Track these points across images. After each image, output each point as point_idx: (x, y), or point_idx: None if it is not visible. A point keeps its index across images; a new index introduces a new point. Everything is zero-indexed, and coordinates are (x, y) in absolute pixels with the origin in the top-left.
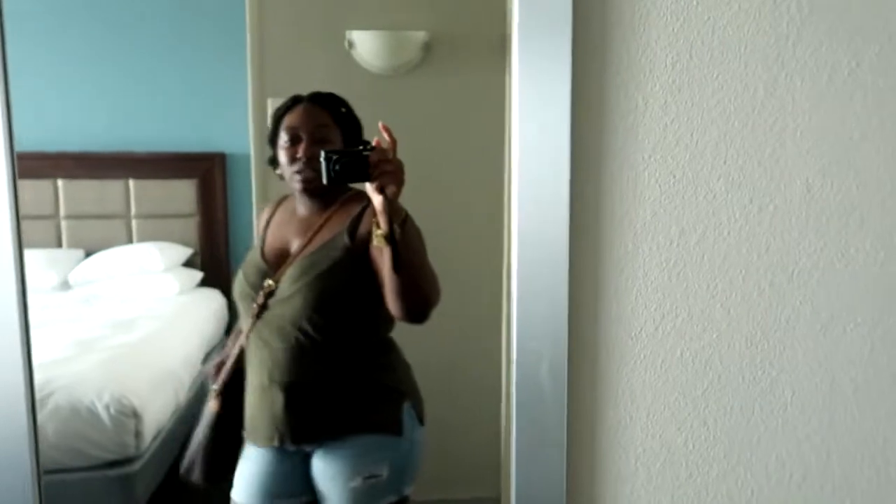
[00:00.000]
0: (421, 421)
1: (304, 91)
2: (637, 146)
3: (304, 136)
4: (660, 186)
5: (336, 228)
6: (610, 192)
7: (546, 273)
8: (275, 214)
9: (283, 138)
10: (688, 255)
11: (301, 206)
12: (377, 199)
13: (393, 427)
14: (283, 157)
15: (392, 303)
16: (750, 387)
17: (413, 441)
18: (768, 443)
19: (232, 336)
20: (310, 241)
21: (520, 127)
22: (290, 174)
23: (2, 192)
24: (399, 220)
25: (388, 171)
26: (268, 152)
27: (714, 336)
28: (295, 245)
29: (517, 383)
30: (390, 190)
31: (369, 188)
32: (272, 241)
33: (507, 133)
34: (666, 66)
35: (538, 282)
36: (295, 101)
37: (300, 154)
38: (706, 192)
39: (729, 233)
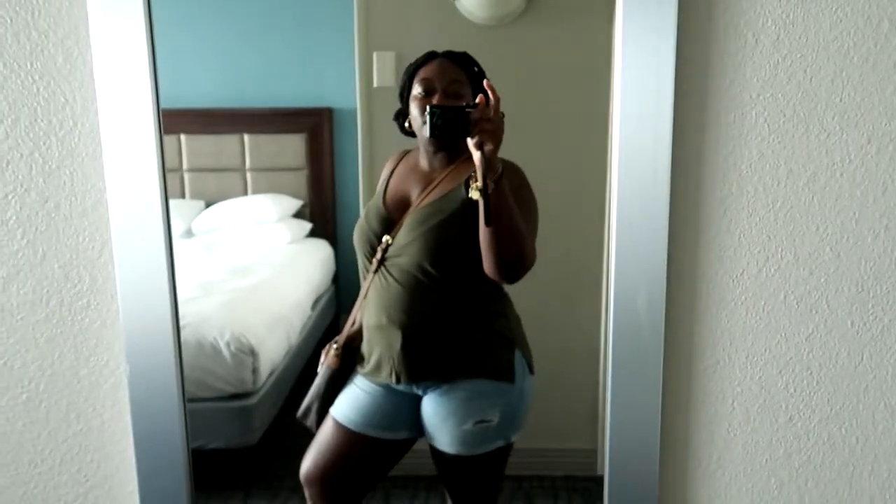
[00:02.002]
0: (531, 370)
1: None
2: (745, 84)
3: (438, 87)
4: (768, 125)
5: (455, 182)
6: (714, 132)
7: (645, 210)
8: (397, 167)
9: (417, 89)
10: (795, 197)
11: (424, 160)
12: (476, 155)
13: (506, 374)
14: (415, 108)
15: (484, 258)
16: (859, 333)
17: (523, 389)
18: (877, 391)
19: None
20: (430, 192)
21: (623, 63)
22: (420, 124)
23: (150, 148)
24: (494, 176)
25: (487, 129)
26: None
27: (822, 280)
28: (415, 195)
29: (614, 317)
30: (487, 148)
31: (470, 144)
32: (393, 191)
33: (613, 79)
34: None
35: (637, 219)
36: (430, 56)
37: (434, 103)
38: (819, 132)
39: (842, 174)
